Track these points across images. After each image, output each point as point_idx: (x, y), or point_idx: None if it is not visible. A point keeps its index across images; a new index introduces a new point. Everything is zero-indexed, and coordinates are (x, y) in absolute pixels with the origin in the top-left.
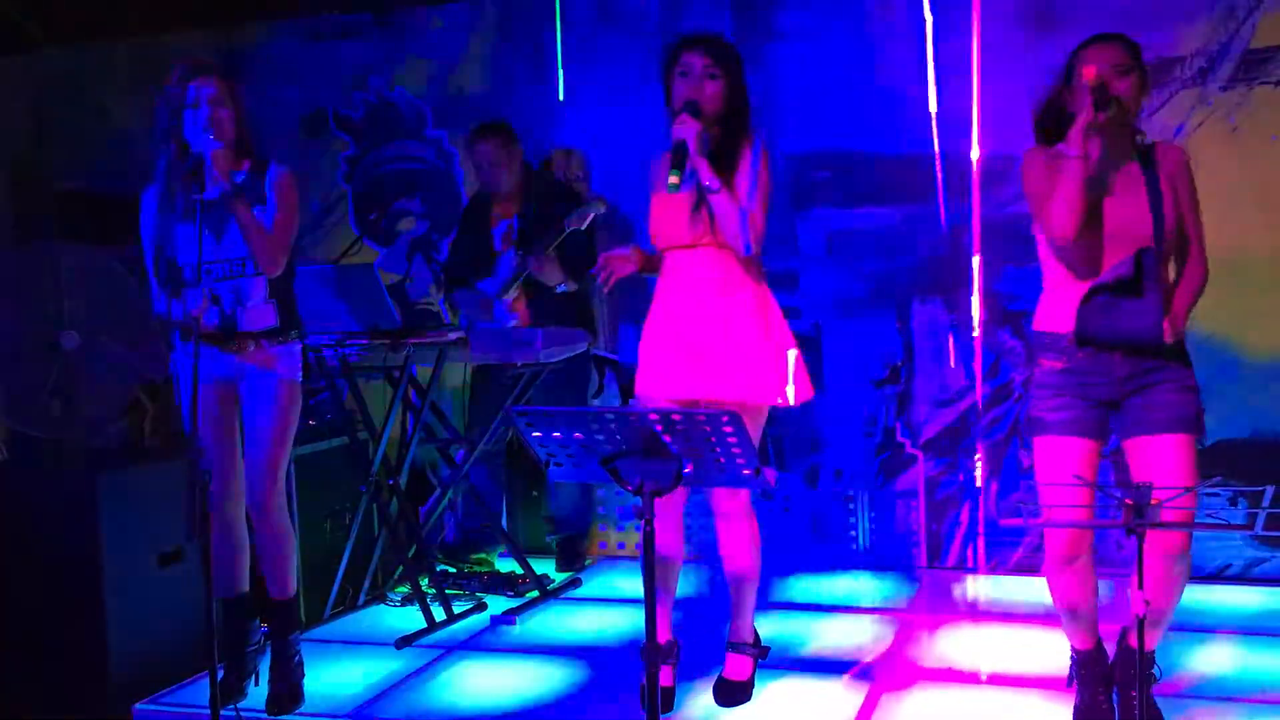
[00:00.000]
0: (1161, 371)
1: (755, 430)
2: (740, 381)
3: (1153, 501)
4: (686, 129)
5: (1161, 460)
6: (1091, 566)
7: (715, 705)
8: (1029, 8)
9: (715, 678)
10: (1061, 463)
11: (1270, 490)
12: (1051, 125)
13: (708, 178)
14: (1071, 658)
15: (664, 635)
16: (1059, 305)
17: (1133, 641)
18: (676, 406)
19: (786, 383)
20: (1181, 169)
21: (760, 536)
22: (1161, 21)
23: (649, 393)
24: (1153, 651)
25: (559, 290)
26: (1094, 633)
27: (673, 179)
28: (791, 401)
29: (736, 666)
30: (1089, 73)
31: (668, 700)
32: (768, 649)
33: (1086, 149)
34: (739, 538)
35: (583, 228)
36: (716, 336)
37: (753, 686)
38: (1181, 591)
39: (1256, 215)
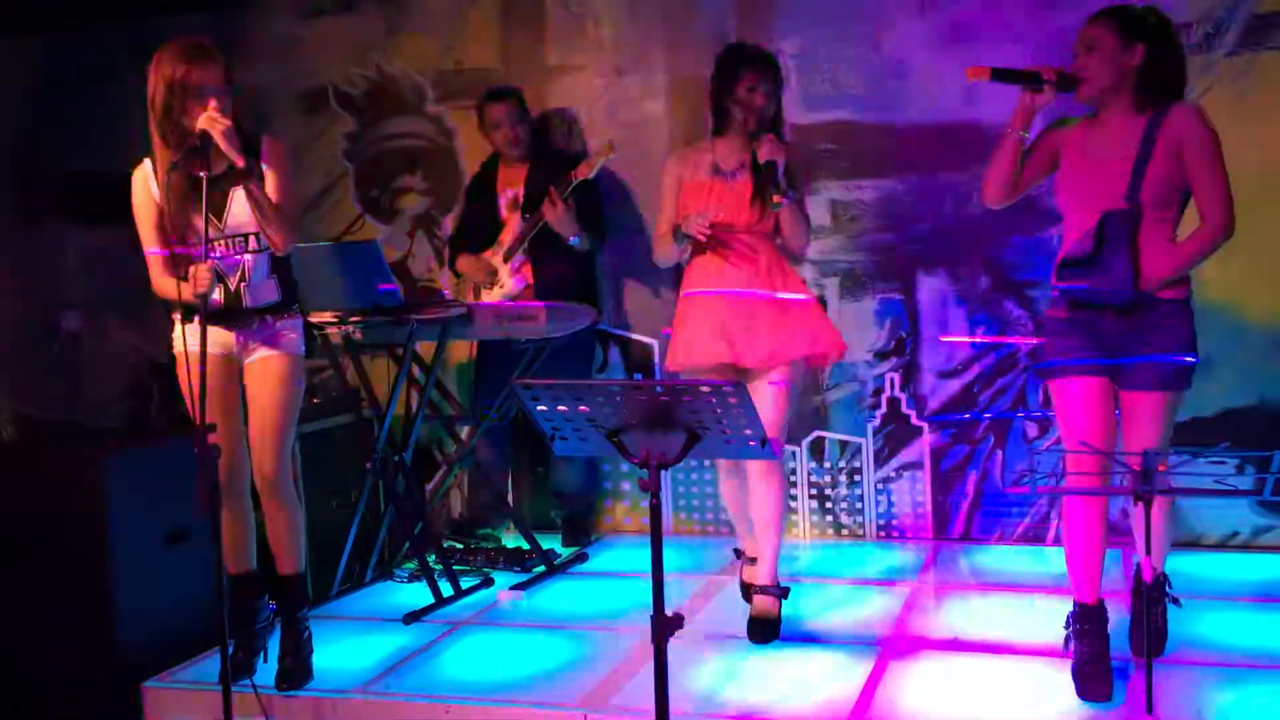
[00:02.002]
0: (1156, 328)
1: (796, 392)
2: (813, 339)
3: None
4: (777, 151)
5: (1136, 414)
6: (1104, 516)
7: (726, 675)
8: None
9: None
10: (1071, 402)
11: (1279, 455)
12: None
13: (791, 195)
14: (1068, 621)
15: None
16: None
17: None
18: (731, 378)
19: (839, 338)
20: (1191, 128)
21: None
22: None
23: (703, 361)
24: (1163, 575)
25: (572, 242)
26: (1097, 587)
27: (776, 198)
28: (835, 354)
29: (763, 606)
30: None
31: (773, 629)
32: (788, 590)
33: (1018, 129)
34: (766, 490)
35: (591, 175)
36: (778, 306)
37: (780, 624)
38: (1168, 514)
39: (1262, 182)
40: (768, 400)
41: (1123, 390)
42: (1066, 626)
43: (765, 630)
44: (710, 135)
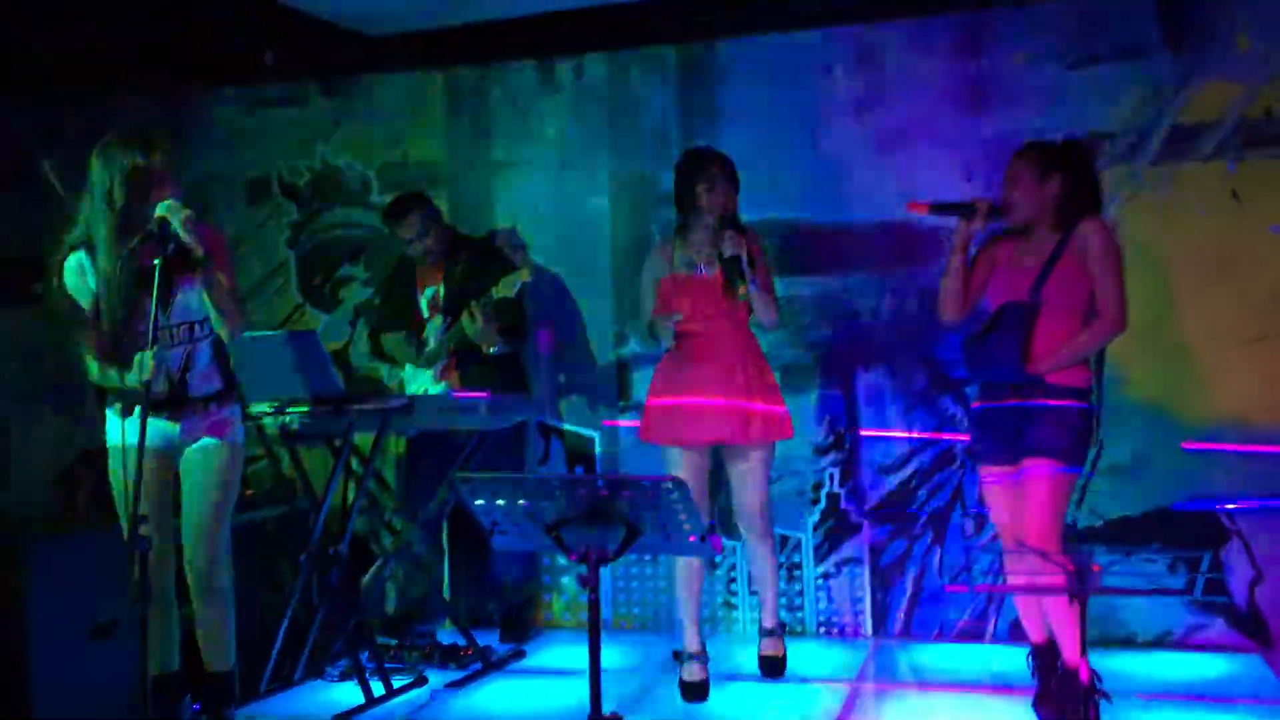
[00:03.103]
0: (1050, 408)
1: (764, 468)
2: (774, 425)
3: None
4: (739, 245)
5: (1027, 485)
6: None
7: None
8: (963, 85)
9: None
10: (989, 485)
11: (1208, 555)
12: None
13: (755, 280)
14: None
15: (695, 644)
16: None
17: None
18: (704, 448)
19: (789, 423)
20: (1096, 238)
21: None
22: (1090, 98)
23: (672, 437)
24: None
25: (493, 352)
26: (1045, 628)
27: (742, 289)
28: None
29: (772, 645)
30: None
31: (702, 691)
32: (785, 625)
33: (961, 251)
34: (762, 548)
35: (511, 295)
36: (746, 389)
37: (786, 661)
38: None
39: (1188, 286)
40: (750, 472)
41: (1019, 466)
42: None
43: (775, 666)
44: (675, 233)
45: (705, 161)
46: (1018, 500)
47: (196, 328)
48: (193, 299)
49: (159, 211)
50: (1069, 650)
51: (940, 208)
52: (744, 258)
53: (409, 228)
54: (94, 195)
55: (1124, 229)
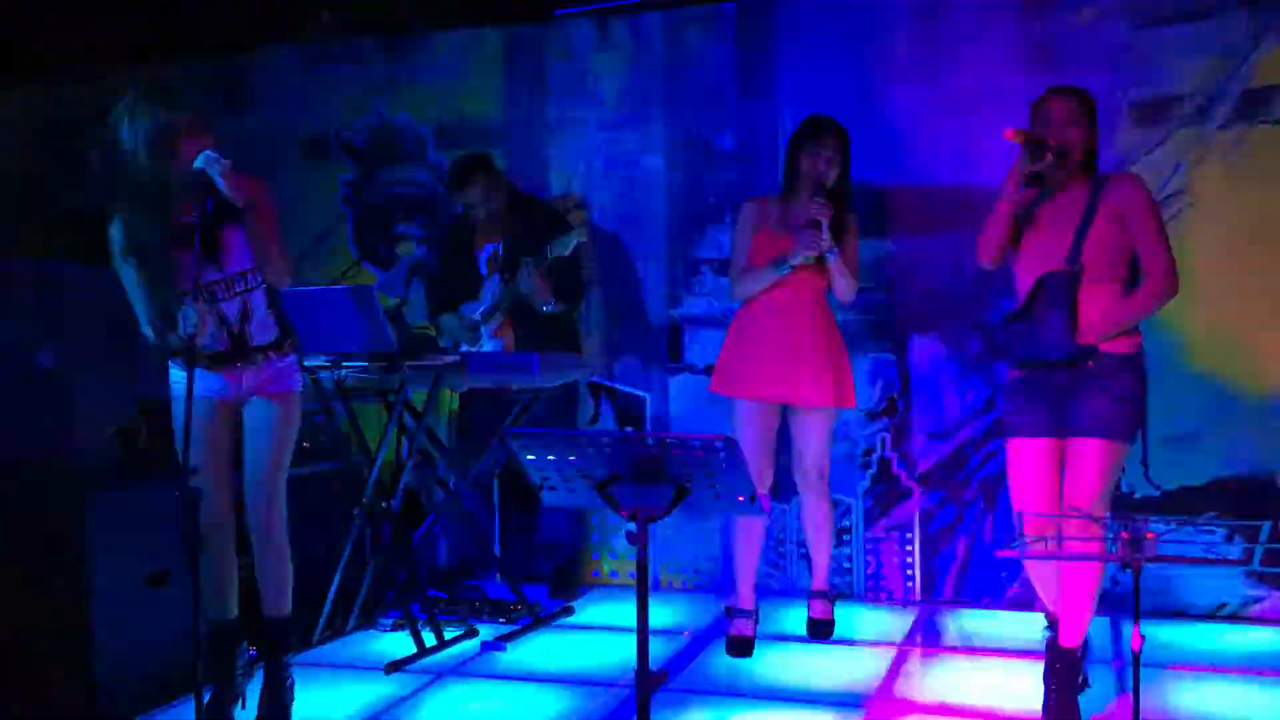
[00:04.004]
0: (1101, 379)
1: (834, 429)
2: (839, 391)
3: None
4: (824, 213)
5: (1078, 461)
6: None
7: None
8: (1029, 46)
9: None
10: (1026, 461)
11: (1268, 525)
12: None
13: (835, 252)
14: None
15: (748, 601)
16: None
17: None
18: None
19: (853, 393)
20: (1130, 197)
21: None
22: (1160, 60)
23: (741, 391)
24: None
25: (545, 309)
26: (1068, 630)
27: (819, 249)
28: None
29: (821, 609)
30: (1008, 133)
31: (748, 647)
32: (841, 594)
33: (1015, 192)
34: (818, 506)
35: (565, 254)
36: (815, 352)
37: (834, 624)
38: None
39: (1253, 253)
40: (814, 433)
41: (1067, 441)
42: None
43: (822, 629)
44: (781, 192)
45: (817, 129)
46: (1059, 475)
47: (250, 277)
48: (241, 249)
49: (197, 164)
50: (1075, 631)
51: (1029, 140)
52: (824, 225)
53: (473, 193)
54: (124, 156)
55: (1191, 193)
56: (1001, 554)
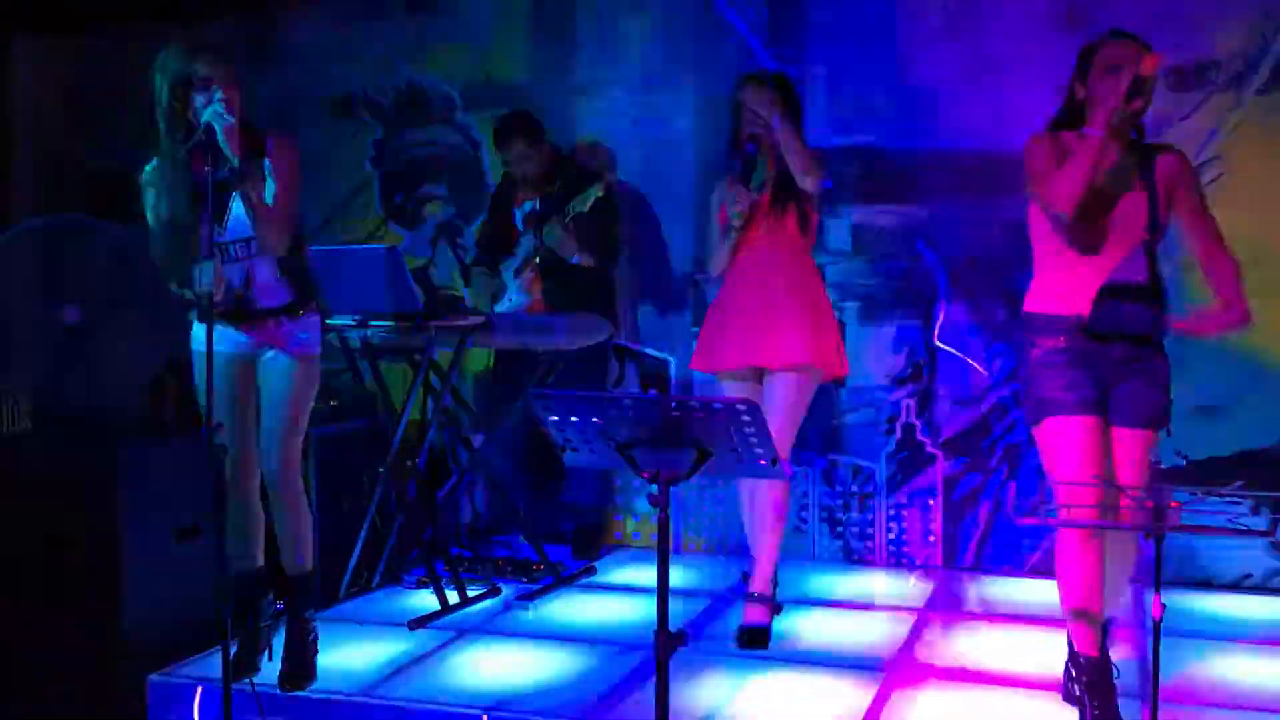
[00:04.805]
0: (1148, 363)
1: (807, 398)
2: (812, 351)
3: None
4: (755, 122)
5: (1129, 451)
6: (1102, 564)
7: (728, 694)
8: (1061, 8)
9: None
10: (1077, 440)
11: None
12: (1064, 114)
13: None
14: (1066, 669)
15: (765, 584)
16: (1058, 286)
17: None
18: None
19: (843, 355)
20: (1180, 174)
21: (787, 506)
22: (1197, 25)
23: (714, 365)
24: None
25: (573, 261)
26: (1101, 639)
27: (744, 202)
28: (842, 371)
29: (755, 613)
30: (1150, 63)
31: (762, 638)
32: (781, 605)
33: (1111, 131)
34: (768, 499)
35: (585, 209)
36: (785, 310)
37: (770, 634)
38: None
39: None
40: (778, 399)
41: (1113, 427)
42: (1069, 679)
43: (755, 638)
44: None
45: (739, 86)
46: (1100, 454)
47: (252, 244)
48: (245, 214)
49: (204, 118)
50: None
51: (1141, 76)
52: (753, 150)
53: (513, 150)
54: (158, 107)
55: (1227, 160)
56: (1023, 522)
